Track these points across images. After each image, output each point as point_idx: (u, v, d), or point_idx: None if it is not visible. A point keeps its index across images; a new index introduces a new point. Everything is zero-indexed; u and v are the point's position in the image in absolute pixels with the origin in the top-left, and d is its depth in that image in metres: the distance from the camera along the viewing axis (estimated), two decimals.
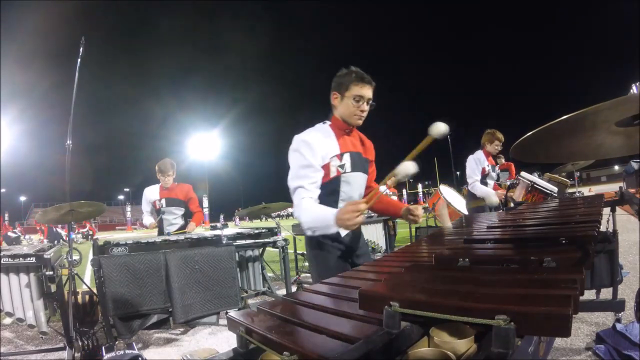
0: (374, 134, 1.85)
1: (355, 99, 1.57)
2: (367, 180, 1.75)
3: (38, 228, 19.93)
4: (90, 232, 19.49)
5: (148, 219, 3.67)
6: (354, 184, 1.65)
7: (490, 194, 3.70)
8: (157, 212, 3.65)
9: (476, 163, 3.84)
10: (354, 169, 1.63)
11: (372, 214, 4.48)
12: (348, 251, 1.66)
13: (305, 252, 2.19)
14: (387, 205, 1.85)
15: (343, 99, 1.60)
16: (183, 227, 3.69)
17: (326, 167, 1.57)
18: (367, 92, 1.59)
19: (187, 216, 3.77)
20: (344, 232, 1.61)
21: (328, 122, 1.68)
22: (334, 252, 1.61)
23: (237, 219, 37.65)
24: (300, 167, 1.52)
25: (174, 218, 3.65)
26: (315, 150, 1.53)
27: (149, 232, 4.45)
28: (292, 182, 1.53)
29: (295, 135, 1.60)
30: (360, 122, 1.63)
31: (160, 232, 3.62)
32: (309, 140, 1.54)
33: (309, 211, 1.46)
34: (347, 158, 1.61)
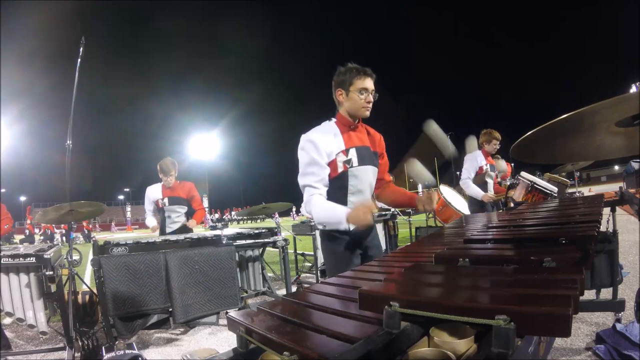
0: (378, 129, 1.88)
1: (361, 92, 1.63)
2: (377, 172, 1.78)
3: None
4: (87, 231, 19.54)
5: (151, 220, 3.72)
6: (363, 178, 1.68)
7: (479, 195, 3.86)
8: (159, 211, 3.67)
9: (472, 162, 3.93)
10: (362, 162, 1.66)
11: (385, 212, 4.47)
12: (357, 243, 1.69)
13: (318, 250, 2.29)
14: (399, 194, 1.88)
15: (349, 94, 1.65)
16: (185, 225, 3.72)
17: (333, 163, 1.63)
18: (370, 84, 1.65)
19: (189, 215, 3.81)
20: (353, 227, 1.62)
21: (333, 119, 1.73)
22: (342, 244, 1.66)
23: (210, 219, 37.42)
24: (307, 165, 1.60)
25: (177, 216, 3.68)
26: (319, 148, 1.59)
27: (150, 232, 4.49)
28: (300, 180, 1.62)
29: (302, 135, 1.65)
30: (368, 113, 1.68)
31: (162, 232, 3.64)
32: (314, 139, 1.60)
33: (321, 207, 1.56)
34: (353, 153, 1.65)
